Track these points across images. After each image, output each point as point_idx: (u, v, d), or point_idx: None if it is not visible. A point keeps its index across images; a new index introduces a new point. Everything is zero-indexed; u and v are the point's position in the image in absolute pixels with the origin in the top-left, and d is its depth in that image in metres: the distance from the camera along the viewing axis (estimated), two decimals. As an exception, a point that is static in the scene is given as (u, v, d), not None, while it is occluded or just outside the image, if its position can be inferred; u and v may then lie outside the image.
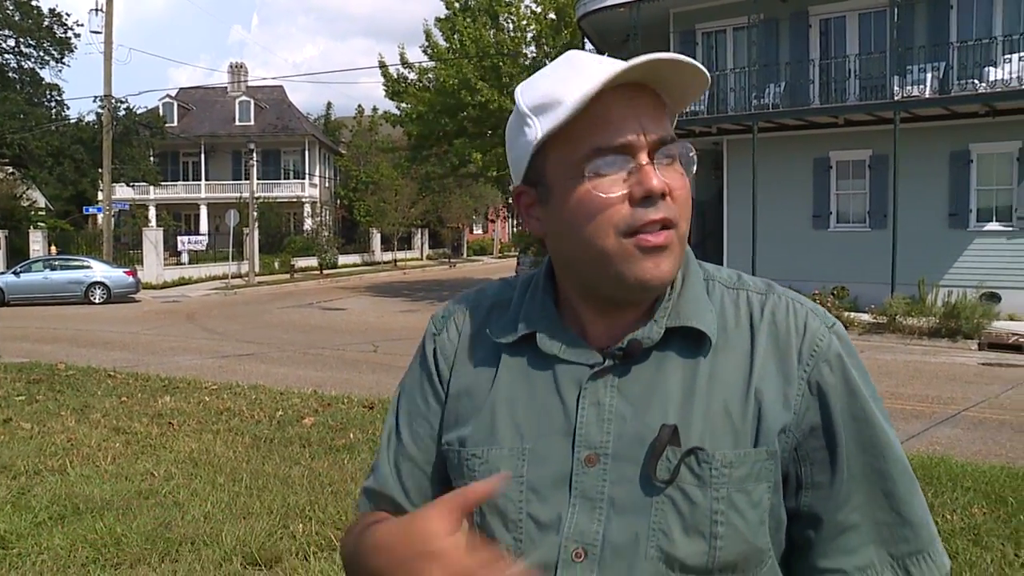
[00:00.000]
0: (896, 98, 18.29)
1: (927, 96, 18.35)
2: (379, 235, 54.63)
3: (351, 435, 7.47)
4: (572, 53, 1.09)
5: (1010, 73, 17.53)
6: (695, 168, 1.10)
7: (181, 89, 58.04)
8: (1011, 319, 17.44)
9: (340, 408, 8.85)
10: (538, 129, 1.05)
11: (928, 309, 16.93)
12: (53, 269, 27.49)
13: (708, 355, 1.06)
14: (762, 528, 1.03)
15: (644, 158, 1.03)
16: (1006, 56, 17.83)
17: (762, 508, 1.03)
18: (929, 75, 18.52)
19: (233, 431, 7.69)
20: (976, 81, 18.00)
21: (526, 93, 1.08)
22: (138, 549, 4.61)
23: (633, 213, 1.02)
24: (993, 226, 18.67)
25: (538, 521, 1.05)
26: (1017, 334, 15.69)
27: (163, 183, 46.27)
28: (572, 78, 1.03)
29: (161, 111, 49.98)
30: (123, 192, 44.92)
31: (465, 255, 66.53)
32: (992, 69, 17.81)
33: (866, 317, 17.36)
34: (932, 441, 7.95)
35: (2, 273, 28.03)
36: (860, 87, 19.89)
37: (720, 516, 1.01)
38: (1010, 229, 18.39)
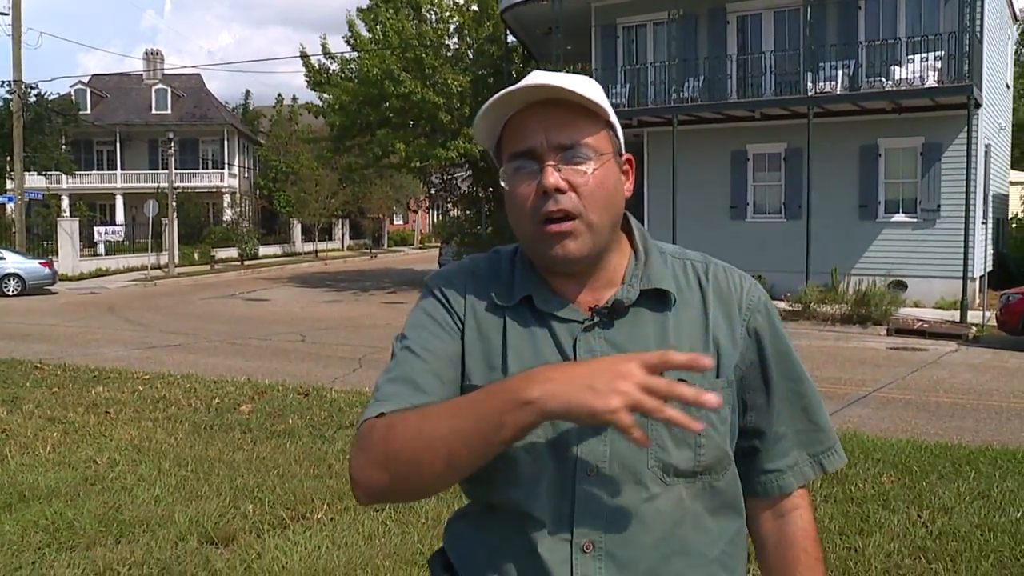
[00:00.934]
0: (809, 94, 19.01)
1: (838, 92, 19.12)
2: (300, 226, 54.02)
3: (290, 420, 7.61)
4: (533, 73, 1.30)
5: (913, 72, 18.39)
6: (617, 158, 1.34)
7: (94, 76, 56.40)
8: (916, 306, 18.37)
9: (276, 395, 8.96)
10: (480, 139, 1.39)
11: (840, 297, 17.67)
12: (-37, 260, 26.61)
13: (672, 310, 1.34)
14: (728, 439, 1.34)
15: (549, 160, 1.28)
16: (909, 56, 18.69)
17: (727, 424, 1.34)
18: (840, 72, 19.28)
19: (172, 419, 7.75)
20: (883, 79, 18.81)
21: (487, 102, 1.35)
22: (92, 532, 4.72)
23: (539, 205, 1.28)
24: (900, 217, 19.56)
25: (554, 445, 1.26)
26: (922, 320, 16.55)
27: (77, 172, 44.97)
28: (500, 93, 1.28)
29: (74, 98, 48.51)
30: (34, 181, 43.54)
31: (386, 246, 66.23)
32: (897, 68, 18.64)
33: (782, 305, 18.01)
34: (845, 420, 8.43)
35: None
36: (776, 83, 20.56)
37: (702, 430, 1.25)
38: (915, 220, 19.30)
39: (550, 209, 1.27)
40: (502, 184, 1.34)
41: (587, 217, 1.28)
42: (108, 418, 7.79)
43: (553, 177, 1.27)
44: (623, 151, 1.38)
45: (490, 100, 1.29)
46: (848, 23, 19.83)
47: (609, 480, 1.26)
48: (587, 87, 1.29)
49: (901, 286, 18.60)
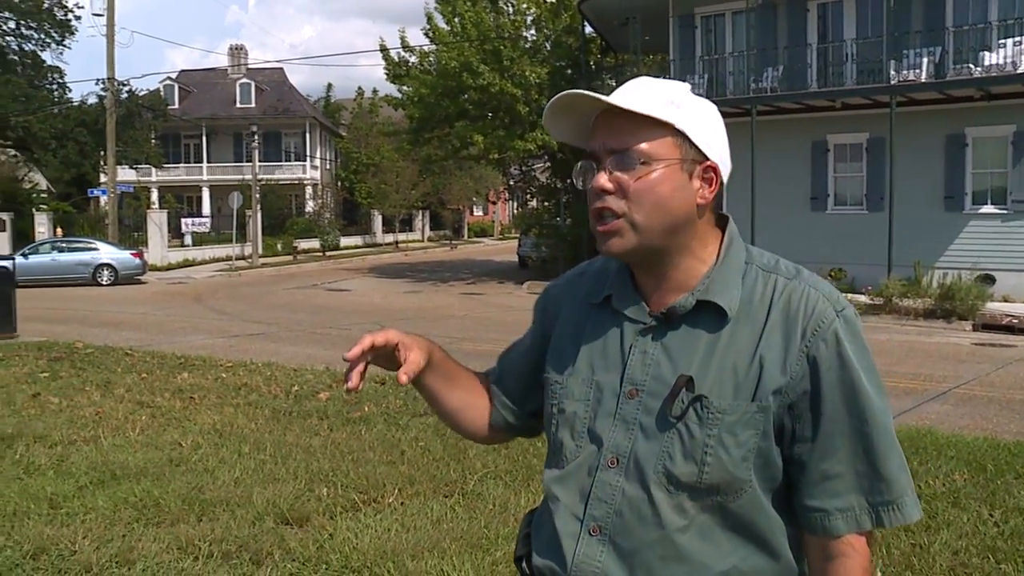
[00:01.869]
0: (892, 82, 18.55)
1: (923, 80, 18.60)
2: (380, 217, 54.83)
3: (366, 408, 7.82)
4: (633, 81, 1.43)
5: (1005, 58, 17.78)
6: (687, 164, 1.37)
7: (182, 71, 58.22)
8: (1005, 300, 17.80)
9: (353, 384, 9.17)
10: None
11: (924, 291, 17.24)
12: (60, 251, 27.82)
13: (729, 325, 1.36)
14: (744, 464, 1.33)
15: (603, 163, 1.38)
16: (1001, 41, 18.07)
17: (746, 448, 1.33)
18: (925, 59, 18.76)
19: (252, 405, 8.04)
20: (971, 66, 18.24)
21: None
22: (176, 510, 4.96)
23: (591, 203, 1.40)
24: (988, 209, 18.96)
25: (593, 433, 1.44)
26: (1010, 315, 16.03)
27: (165, 165, 46.43)
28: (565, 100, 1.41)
29: (163, 93, 50.05)
30: (126, 174, 45.08)
31: (466, 237, 66.78)
32: (987, 54, 18.05)
33: (862, 298, 17.68)
34: (922, 416, 8.27)
35: (10, 256, 28.28)
36: (857, 71, 20.12)
37: (710, 449, 1.32)
38: (1005, 212, 18.70)
39: (596, 206, 1.38)
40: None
41: (631, 216, 1.36)
42: (192, 403, 8.11)
43: (602, 178, 1.37)
44: (706, 158, 1.39)
45: (552, 107, 1.41)
46: (934, 8, 19.25)
47: (625, 474, 1.39)
48: (655, 96, 1.37)
49: (989, 280, 18.05)
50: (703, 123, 1.39)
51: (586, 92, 1.36)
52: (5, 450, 6.35)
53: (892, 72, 18.68)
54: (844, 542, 1.34)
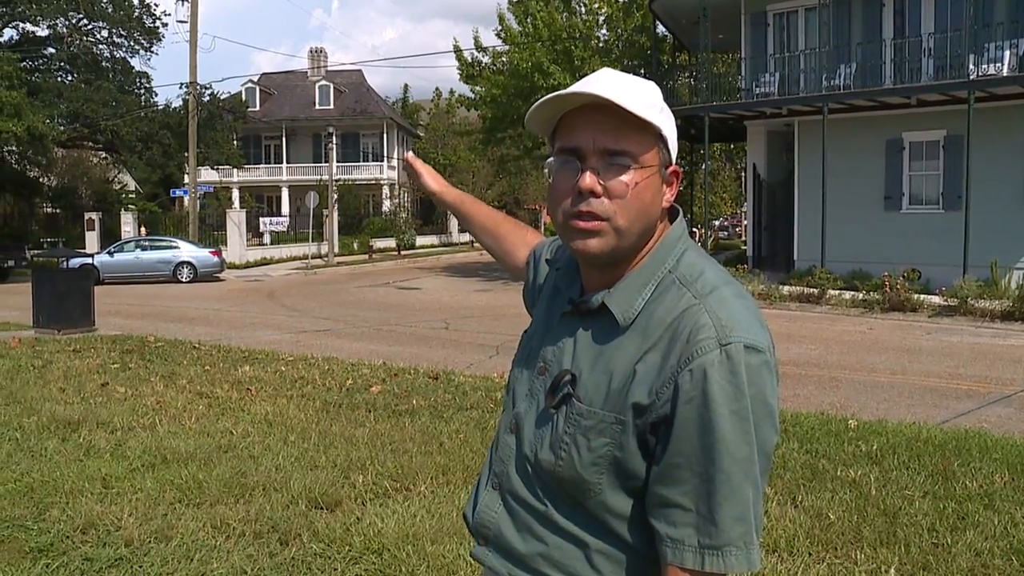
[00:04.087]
0: (972, 77, 18.01)
1: (1004, 75, 18.02)
2: (456, 217, 55.24)
3: (414, 401, 7.98)
4: (600, 71, 1.41)
5: (1089, 51, 17.13)
6: (662, 171, 1.39)
7: (263, 74, 59.63)
8: (1088, 302, 17.12)
9: (407, 378, 9.37)
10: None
11: (1001, 292, 16.72)
12: (144, 249, 28.80)
13: (625, 331, 1.37)
14: (593, 468, 1.35)
15: (590, 163, 1.35)
16: (1087, 33, 17.40)
17: (596, 454, 1.35)
18: (1007, 53, 18.17)
19: (306, 397, 8.27)
20: (1056, 59, 17.62)
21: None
22: (217, 492, 5.18)
23: (573, 202, 1.37)
24: (1072, 207, 18.28)
25: (515, 394, 1.55)
26: (1091, 317, 15.43)
27: (246, 166, 47.64)
28: (559, 92, 1.37)
29: (244, 96, 51.42)
30: (207, 175, 46.46)
31: (543, 234, 66.76)
32: (1073, 46, 17.41)
33: (937, 299, 17.22)
34: (981, 419, 8.07)
35: (97, 253, 29.46)
36: (934, 66, 19.60)
37: (564, 446, 1.38)
38: (1089, 211, 18.00)
39: (581, 209, 1.35)
40: (545, 171, 1.46)
41: (616, 221, 1.35)
42: (249, 395, 8.38)
43: (590, 180, 1.34)
44: (672, 162, 1.42)
45: (544, 98, 1.37)
46: None
47: (516, 441, 1.50)
48: (643, 98, 1.35)
49: (1071, 281, 17.40)
50: (673, 126, 1.42)
51: (589, 91, 1.33)
52: (70, 434, 6.69)
53: (972, 67, 18.14)
54: (671, 570, 1.31)
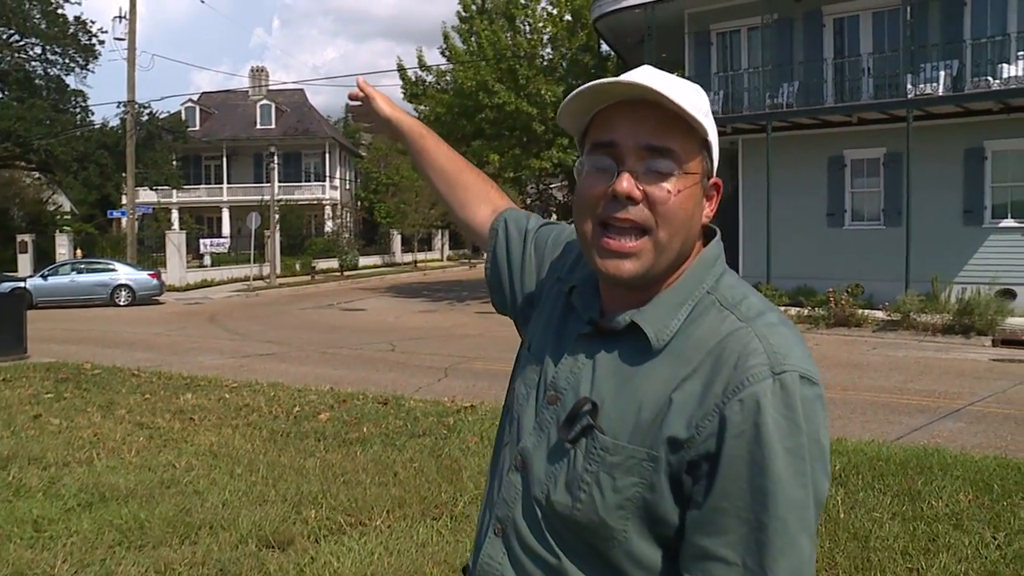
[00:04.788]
0: (910, 96, 18.35)
1: (940, 94, 18.38)
2: (399, 236, 55.02)
3: (364, 429, 7.73)
4: (643, 68, 1.23)
5: None
6: (704, 181, 1.23)
7: (203, 93, 58.80)
8: (1026, 316, 17.49)
9: (355, 404, 9.11)
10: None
11: (942, 306, 16.97)
12: (79, 272, 27.99)
13: (657, 356, 1.20)
14: (618, 513, 1.17)
15: (628, 163, 1.18)
16: (1020, 52, 17.84)
17: (623, 496, 1.17)
18: (943, 73, 18.55)
19: (252, 426, 7.98)
20: (990, 78, 18.02)
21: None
22: (160, 533, 4.89)
23: (606, 208, 1.20)
24: (1008, 223, 18.67)
25: (519, 424, 1.35)
26: (1030, 330, 15.74)
27: (185, 186, 46.87)
28: (597, 81, 1.21)
29: (183, 115, 50.54)
30: (146, 196, 45.54)
31: (486, 256, 66.69)
32: (1006, 66, 17.82)
33: (880, 314, 17.45)
34: (934, 434, 8.09)
35: (30, 276, 28.57)
36: (874, 85, 19.96)
37: (585, 486, 1.19)
38: (1025, 226, 18.41)
39: (616, 215, 1.19)
40: (575, 175, 1.28)
41: (657, 235, 1.19)
42: (192, 424, 8.06)
43: (628, 183, 1.18)
44: (713, 174, 1.27)
45: (584, 86, 1.21)
46: (952, 21, 19.06)
47: (523, 480, 1.30)
48: (692, 98, 1.19)
49: (1009, 295, 17.73)
50: (716, 134, 1.26)
51: (635, 81, 1.17)
52: (-2, 472, 6.32)
53: (909, 86, 18.48)
54: None
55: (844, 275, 19.15)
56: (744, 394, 1.11)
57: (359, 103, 1.81)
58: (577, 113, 1.26)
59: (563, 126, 1.30)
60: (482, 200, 1.71)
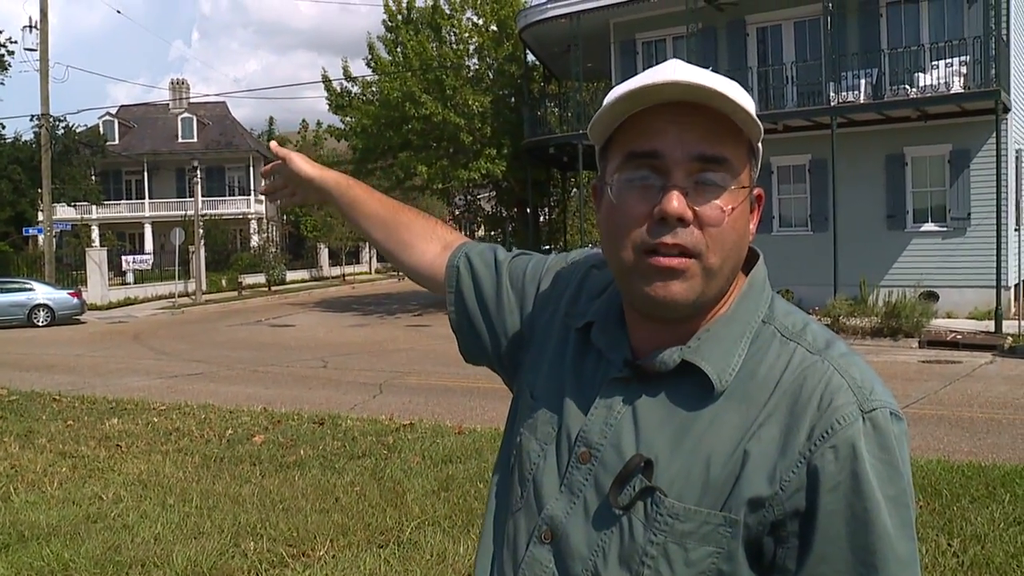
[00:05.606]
0: (832, 104, 18.72)
1: (861, 102, 18.82)
2: (327, 250, 54.34)
3: (301, 451, 7.47)
4: (670, 61, 1.05)
5: (938, 79, 18.05)
6: (743, 201, 1.05)
7: (122, 107, 57.25)
8: (949, 317, 17.96)
9: (290, 425, 8.83)
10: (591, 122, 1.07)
11: (870, 309, 17.31)
12: (-7, 292, 26.89)
13: (717, 400, 1.03)
14: None
15: (676, 178, 1.00)
16: (934, 62, 18.35)
17: (697, 569, 1.00)
18: (863, 81, 18.99)
19: (183, 451, 7.64)
20: (907, 87, 18.48)
21: (612, 90, 1.06)
22: (87, 575, 4.58)
23: (651, 232, 1.01)
24: (929, 227, 19.17)
25: (537, 488, 1.14)
26: (954, 331, 16.15)
27: (106, 202, 45.51)
28: (633, 81, 1.02)
29: (102, 129, 49.15)
30: (65, 212, 44.06)
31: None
32: (922, 75, 18.31)
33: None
34: (873, 438, 8.14)
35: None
36: (798, 93, 20.32)
37: (649, 560, 1.01)
38: (945, 229, 18.90)
39: (664, 241, 1.00)
40: (608, 193, 1.06)
41: (707, 260, 1.01)
42: (119, 451, 7.69)
43: (679, 201, 0.99)
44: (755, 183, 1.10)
45: (624, 89, 1.01)
46: (870, 31, 19.56)
47: (555, 556, 1.10)
48: (742, 94, 1.01)
49: (933, 297, 18.20)
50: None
51: (683, 79, 0.98)
52: (-93, 512, 5.90)
53: (831, 94, 18.85)
54: None
55: (773, 281, 18.10)
56: (836, 439, 0.96)
57: (271, 178, 1.62)
58: (611, 122, 1.05)
59: (593, 139, 1.10)
60: (429, 237, 1.50)
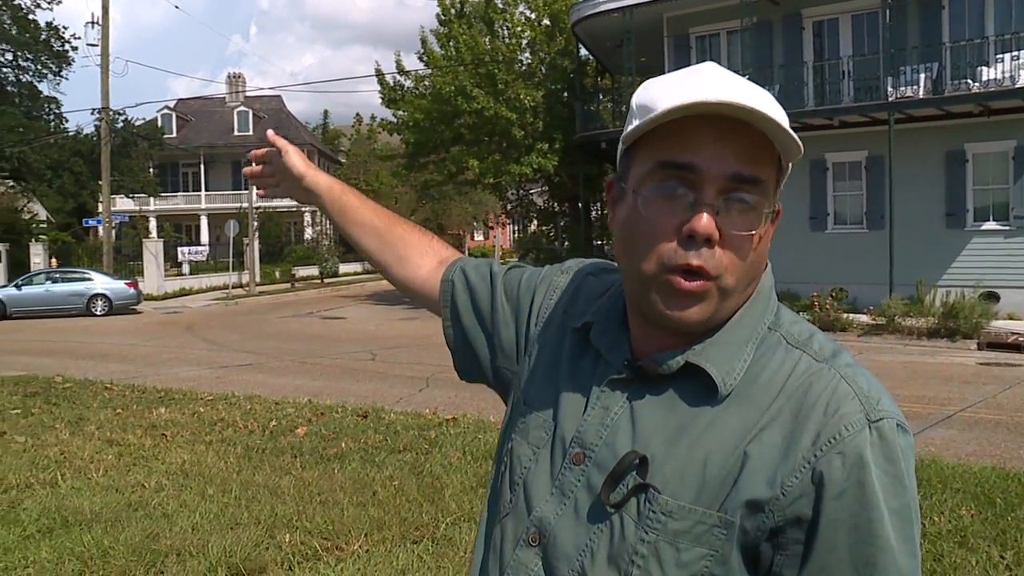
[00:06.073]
0: (890, 99, 18.29)
1: (921, 97, 18.34)
2: (380, 243, 54.70)
3: (343, 444, 7.47)
4: (705, 65, 1.02)
5: (1003, 72, 17.52)
6: (766, 222, 1.02)
7: (180, 100, 58.25)
8: (1010, 318, 17.42)
9: (334, 417, 8.85)
10: (631, 127, 1.02)
11: (927, 309, 16.91)
12: (55, 282, 27.52)
13: (720, 403, 1.01)
14: None
15: (708, 195, 0.97)
16: (998, 56, 17.82)
17: (688, 571, 0.97)
18: (922, 76, 18.51)
19: (226, 442, 7.70)
20: (970, 81, 17.98)
21: (643, 89, 1.03)
22: (124, 561, 4.62)
23: (675, 249, 0.98)
24: (990, 225, 18.63)
25: (527, 491, 1.11)
26: (1016, 333, 15.66)
27: (163, 194, 46.38)
28: (679, 89, 0.97)
29: (160, 122, 50.12)
30: (123, 204, 45.00)
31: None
32: (985, 69, 17.80)
33: (864, 318, 17.35)
34: (927, 442, 7.92)
35: (3, 286, 28.06)
36: (854, 88, 19.88)
37: (639, 559, 0.99)
38: (1007, 228, 18.36)
39: (691, 263, 0.97)
40: (632, 199, 1.02)
41: (724, 281, 0.99)
42: (164, 440, 7.77)
43: (708, 221, 0.96)
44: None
45: (670, 103, 0.95)
46: (931, 24, 19.04)
47: (542, 558, 1.07)
48: (781, 112, 0.98)
49: (993, 297, 17.68)
50: None
51: (729, 99, 0.93)
52: (-44, 495, 6.02)
53: (889, 89, 18.42)
54: None
55: (827, 279, 19.05)
56: (843, 446, 0.93)
57: (262, 164, 1.57)
58: (648, 127, 0.99)
59: (623, 141, 1.05)
60: (425, 251, 1.47)
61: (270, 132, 1.62)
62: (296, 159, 1.52)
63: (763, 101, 0.96)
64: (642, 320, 1.08)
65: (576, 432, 1.08)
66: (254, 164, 1.61)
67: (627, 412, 1.05)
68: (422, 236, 1.50)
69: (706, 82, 0.97)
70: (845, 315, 17.44)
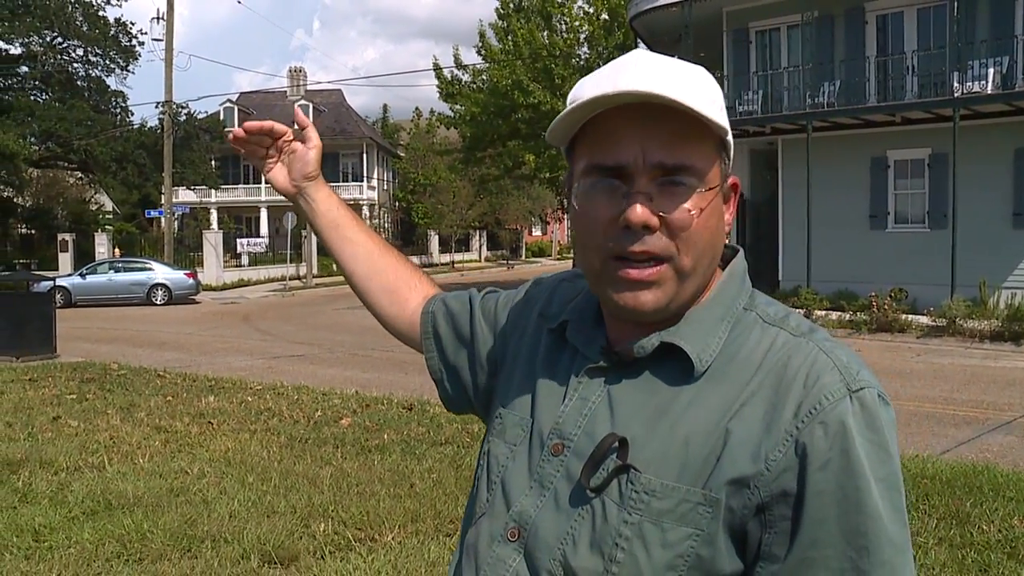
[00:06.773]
0: (956, 95, 17.78)
1: (989, 92, 17.81)
2: (437, 237, 55.00)
3: (385, 436, 7.49)
4: (631, 54, 1.02)
5: (1076, 67, 16.94)
6: (712, 199, 1.02)
7: (241, 94, 59.21)
8: (1078, 322, 16.85)
9: (379, 409, 8.89)
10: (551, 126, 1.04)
11: (990, 312, 16.44)
12: (117, 271, 28.17)
13: (697, 381, 1.01)
14: (668, 574, 0.95)
15: (640, 184, 0.97)
16: (1073, 50, 17.23)
17: (674, 552, 0.95)
18: (991, 70, 17.97)
19: (270, 431, 7.77)
20: (1042, 76, 17.42)
21: (576, 86, 1.04)
22: (161, 545, 4.69)
23: (617, 240, 0.99)
24: (1059, 226, 18.04)
25: (506, 488, 1.09)
26: (1083, 337, 15.15)
27: (224, 186, 47.15)
28: (597, 83, 0.98)
29: (221, 116, 50.91)
30: (185, 195, 45.92)
31: (524, 257, 66.52)
32: (1058, 64, 17.22)
33: (924, 320, 16.92)
34: (983, 448, 7.69)
35: (69, 275, 28.80)
36: (918, 84, 19.40)
37: (623, 542, 0.97)
38: (1077, 229, 17.76)
39: (632, 249, 0.98)
40: (572, 202, 1.04)
41: (679, 261, 0.99)
42: (210, 428, 7.87)
43: (642, 211, 0.97)
44: (729, 173, 1.07)
45: (578, 102, 0.98)
46: (1001, 16, 18.43)
47: (523, 552, 1.05)
48: (705, 93, 0.98)
49: (1060, 300, 17.12)
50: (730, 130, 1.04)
51: (636, 88, 0.94)
52: (8, 476, 6.17)
53: (956, 84, 17.91)
54: None
55: (887, 279, 18.61)
56: (825, 415, 0.93)
57: (285, 139, 1.49)
58: (570, 128, 1.02)
59: (553, 143, 1.07)
60: (413, 286, 1.45)
61: (299, 111, 1.60)
62: (314, 153, 1.49)
63: (681, 87, 0.95)
64: (616, 317, 1.08)
65: (554, 424, 1.07)
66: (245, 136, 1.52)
67: (605, 399, 1.04)
68: (413, 271, 1.49)
69: (625, 73, 0.97)
70: (904, 316, 17.03)
